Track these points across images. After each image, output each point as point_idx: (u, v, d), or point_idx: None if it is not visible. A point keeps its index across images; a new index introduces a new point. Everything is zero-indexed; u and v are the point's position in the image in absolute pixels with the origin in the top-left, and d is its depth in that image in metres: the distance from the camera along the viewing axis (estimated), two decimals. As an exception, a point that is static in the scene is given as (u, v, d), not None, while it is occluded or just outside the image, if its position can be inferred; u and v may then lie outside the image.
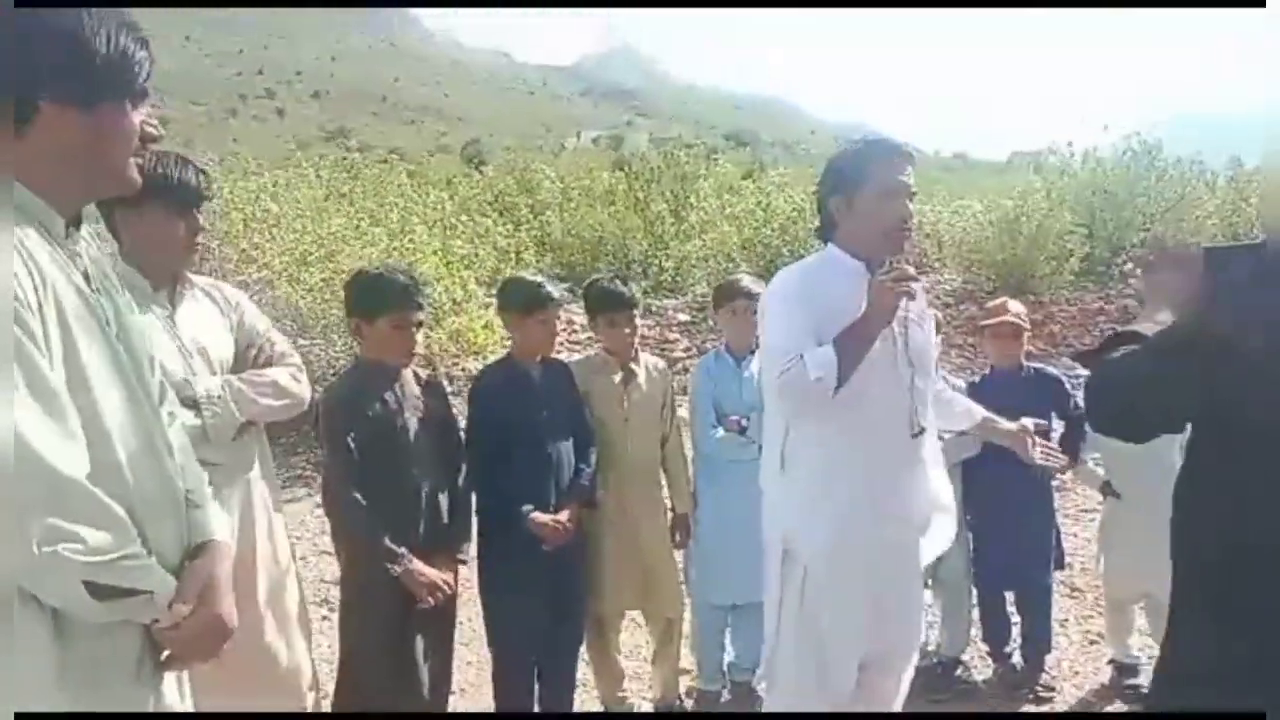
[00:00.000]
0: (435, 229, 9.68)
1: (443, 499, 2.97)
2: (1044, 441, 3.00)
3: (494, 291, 9.18)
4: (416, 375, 3.04)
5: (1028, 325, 3.97)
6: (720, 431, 3.53)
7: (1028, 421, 2.99)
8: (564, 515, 3.18)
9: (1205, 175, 13.31)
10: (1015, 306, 3.98)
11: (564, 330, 9.90)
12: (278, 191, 9.29)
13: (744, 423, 3.50)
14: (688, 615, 3.70)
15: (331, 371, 6.87)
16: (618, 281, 3.55)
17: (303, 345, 6.68)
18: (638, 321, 3.58)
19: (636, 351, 3.60)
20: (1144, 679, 3.74)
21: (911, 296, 2.40)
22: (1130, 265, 11.54)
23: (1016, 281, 11.16)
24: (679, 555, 3.73)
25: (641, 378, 3.56)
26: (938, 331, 3.84)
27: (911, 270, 2.42)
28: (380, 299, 2.88)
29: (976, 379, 4.12)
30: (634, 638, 4.13)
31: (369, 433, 2.83)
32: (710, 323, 10.05)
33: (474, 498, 3.17)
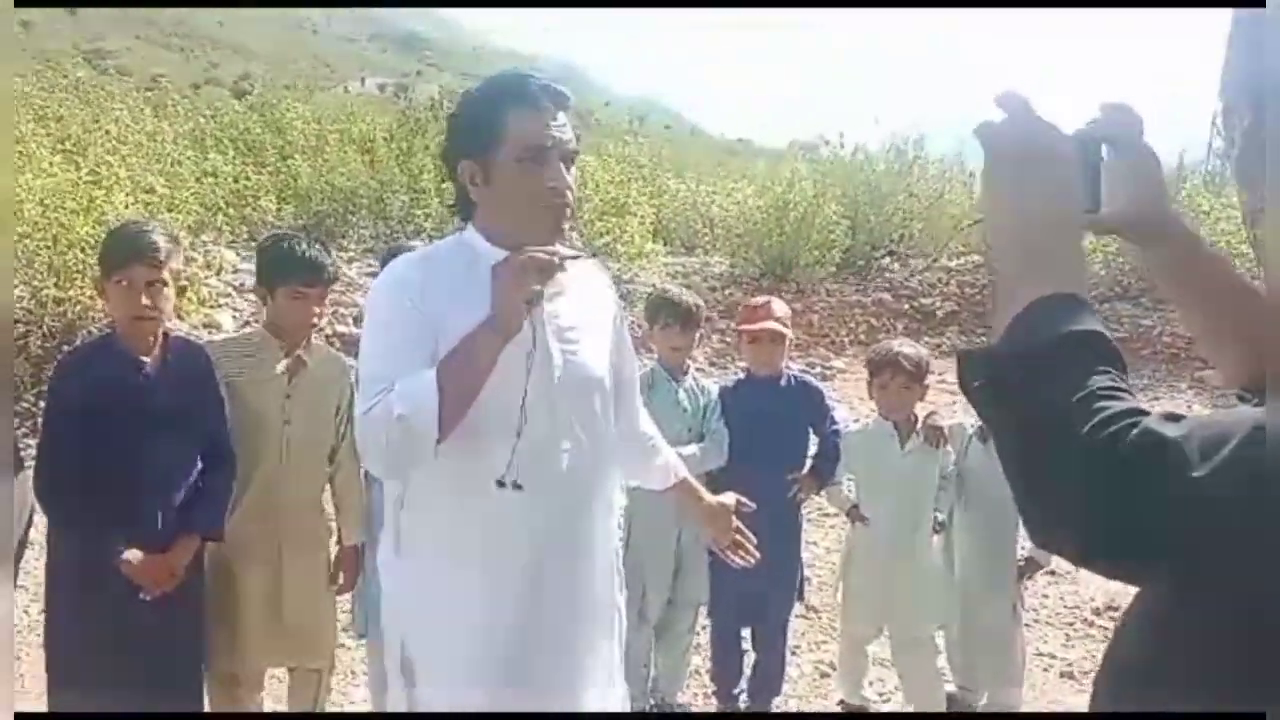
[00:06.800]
0: (152, 163, 8.37)
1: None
2: (744, 535, 2.27)
3: (201, 239, 8.18)
4: None
5: (790, 330, 3.49)
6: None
7: (730, 499, 2.30)
8: (174, 553, 2.41)
9: (964, 176, 13.76)
10: (780, 309, 3.45)
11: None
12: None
13: None
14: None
15: None
16: (317, 245, 2.77)
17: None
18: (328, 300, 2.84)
19: (309, 336, 2.84)
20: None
21: (531, 307, 1.69)
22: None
23: (781, 270, 11.07)
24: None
25: (313, 368, 2.79)
26: (660, 324, 3.25)
27: (561, 251, 1.73)
28: None
29: (730, 383, 3.63)
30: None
31: None
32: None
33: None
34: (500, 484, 1.73)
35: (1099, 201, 1.14)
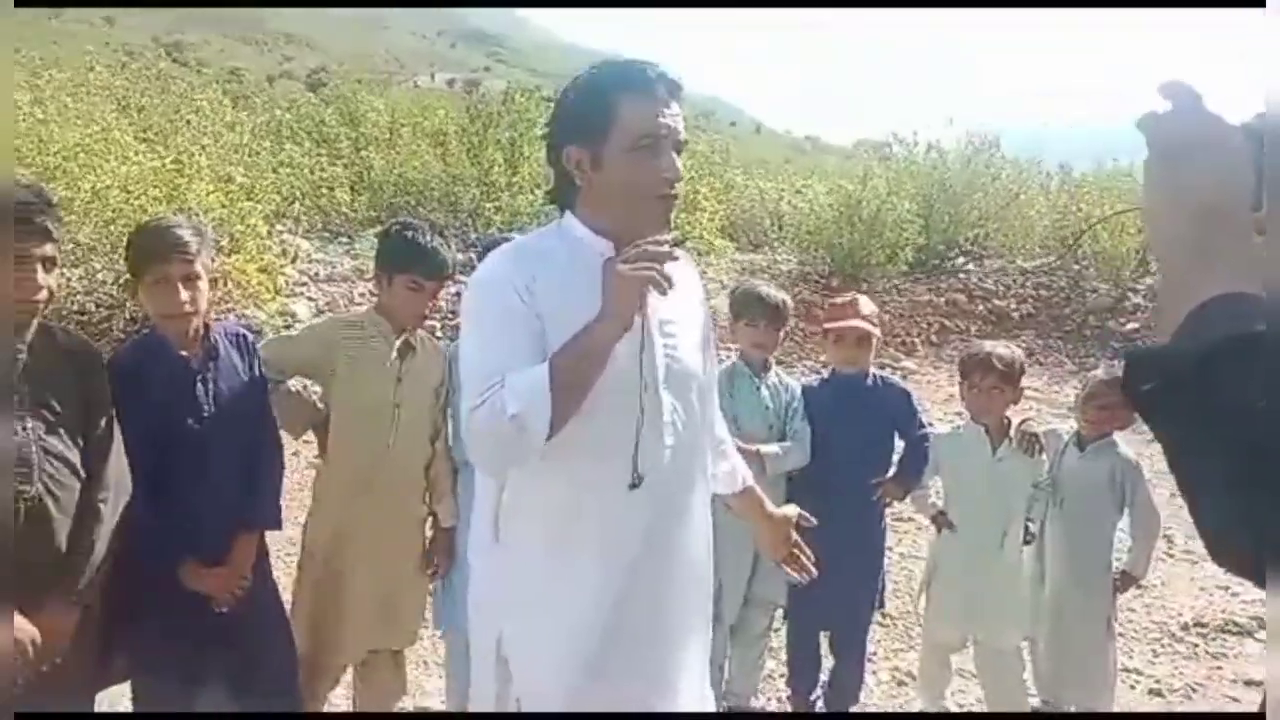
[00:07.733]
0: (231, 153, 8.53)
1: (58, 513, 2.05)
2: (802, 549, 2.19)
3: (277, 228, 8.30)
4: (49, 331, 2.15)
5: (879, 330, 3.37)
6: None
7: (793, 510, 2.22)
8: (236, 559, 2.43)
9: (1040, 177, 13.43)
10: (867, 307, 3.33)
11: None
12: (46, 95, 7.92)
13: None
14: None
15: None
16: (437, 237, 2.76)
17: None
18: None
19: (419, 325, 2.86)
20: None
21: (661, 290, 1.62)
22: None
23: (851, 268, 10.90)
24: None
25: (420, 353, 2.81)
26: (747, 321, 3.19)
27: (666, 244, 1.67)
28: None
29: (814, 381, 3.53)
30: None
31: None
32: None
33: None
34: (632, 486, 1.69)
35: (1262, 201, 1.05)
